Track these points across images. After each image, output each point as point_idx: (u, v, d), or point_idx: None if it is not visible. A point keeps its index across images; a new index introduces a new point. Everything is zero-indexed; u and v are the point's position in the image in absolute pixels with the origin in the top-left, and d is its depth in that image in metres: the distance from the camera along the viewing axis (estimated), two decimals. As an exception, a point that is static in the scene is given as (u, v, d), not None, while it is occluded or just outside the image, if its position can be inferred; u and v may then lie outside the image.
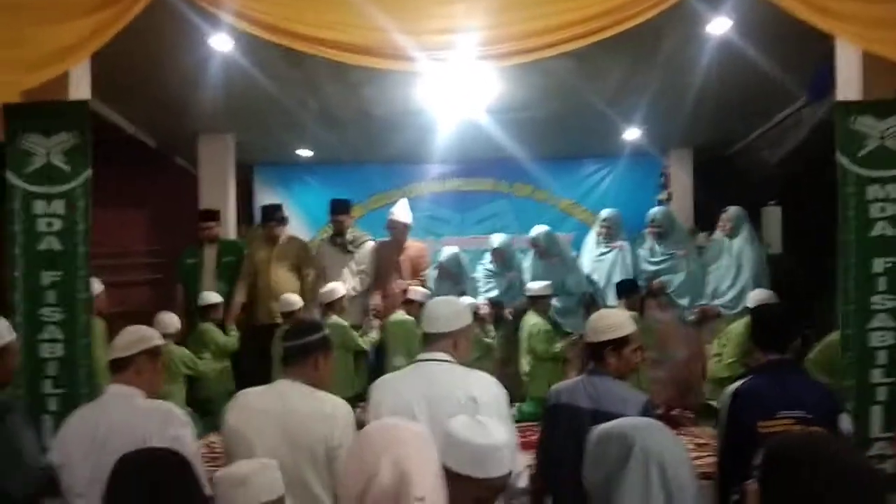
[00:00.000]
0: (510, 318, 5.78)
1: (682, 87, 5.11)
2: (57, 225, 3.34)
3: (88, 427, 2.42)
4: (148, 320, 3.12)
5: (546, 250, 5.90)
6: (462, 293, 5.78)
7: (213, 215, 5.95)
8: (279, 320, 5.63)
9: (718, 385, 4.53)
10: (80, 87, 3.53)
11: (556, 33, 3.22)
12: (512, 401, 3.65)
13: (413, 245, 6.05)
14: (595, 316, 2.80)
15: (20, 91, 3.32)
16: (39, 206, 3.34)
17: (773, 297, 4.84)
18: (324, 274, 5.92)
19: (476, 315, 5.38)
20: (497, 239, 6.04)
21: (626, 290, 5.46)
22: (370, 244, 6.02)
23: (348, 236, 5.97)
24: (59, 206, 3.35)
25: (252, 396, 2.48)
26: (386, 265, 5.92)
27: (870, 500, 1.22)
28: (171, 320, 5.19)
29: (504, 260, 5.94)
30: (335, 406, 2.41)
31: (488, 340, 5.52)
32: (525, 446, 3.17)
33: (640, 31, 3.38)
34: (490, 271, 6.00)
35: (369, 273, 5.90)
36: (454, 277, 5.92)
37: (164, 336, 5.05)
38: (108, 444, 2.33)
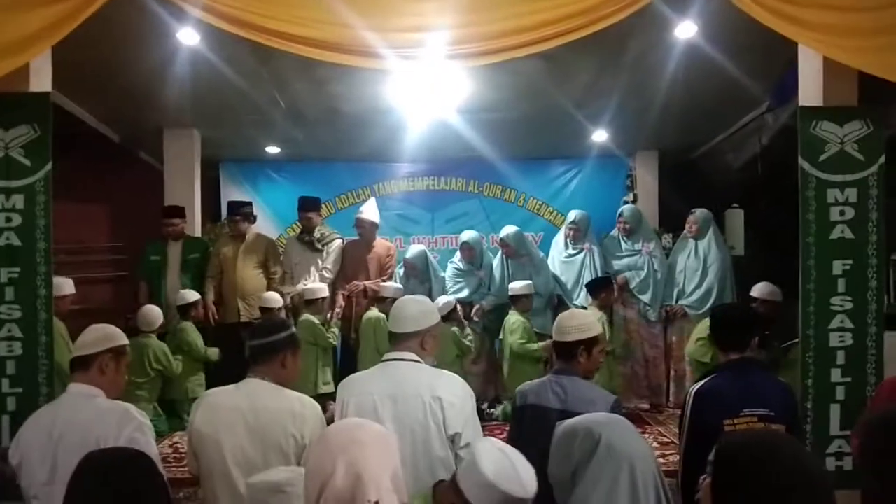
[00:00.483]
0: (476, 319, 5.78)
1: (648, 91, 5.17)
2: (16, 220, 3.26)
3: (46, 426, 2.37)
4: (110, 318, 3.05)
5: (515, 251, 5.93)
6: (429, 291, 5.78)
7: (178, 212, 5.86)
8: (245, 318, 5.59)
9: (701, 367, 4.60)
10: (41, 79, 3.44)
11: (525, 34, 3.23)
12: (479, 400, 3.64)
13: (380, 244, 6.04)
14: (565, 315, 2.81)
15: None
16: (-2, 201, 3.26)
17: (779, 292, 4.88)
18: (292, 271, 5.88)
19: (454, 314, 5.38)
20: (467, 234, 6.06)
21: (600, 287, 5.50)
22: (338, 242, 5.99)
23: (317, 234, 5.94)
24: (18, 201, 3.27)
25: (220, 396, 2.45)
26: (354, 264, 5.90)
27: (816, 499, 1.24)
28: (155, 316, 5.13)
29: (473, 256, 5.95)
30: (304, 404, 2.40)
31: (467, 342, 5.49)
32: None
33: (608, 34, 3.41)
34: (459, 270, 6.01)
35: (332, 271, 5.86)
36: (421, 275, 5.93)
37: (147, 332, 4.98)
38: (64, 444, 2.29)
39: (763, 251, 6.26)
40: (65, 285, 4.71)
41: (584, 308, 5.40)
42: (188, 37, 4.01)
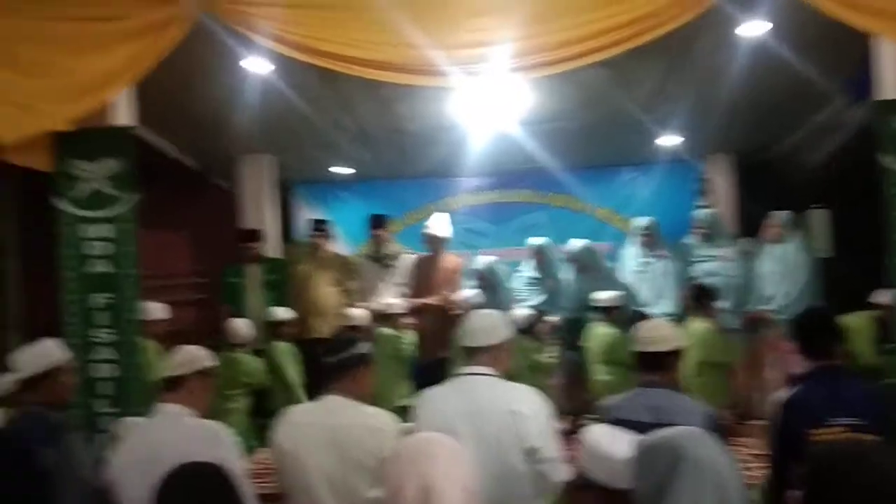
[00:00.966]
0: (548, 337, 5.68)
1: (717, 92, 5.04)
2: (106, 249, 3.45)
3: (140, 445, 2.48)
4: (195, 340, 3.18)
5: (585, 265, 5.84)
6: (499, 302, 5.75)
7: (255, 235, 6.04)
8: (321, 335, 5.67)
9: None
10: (124, 114, 3.64)
11: (588, 42, 3.21)
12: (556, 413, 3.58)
13: (448, 259, 6.02)
14: (650, 326, 2.75)
15: (66, 119, 3.44)
16: (89, 231, 3.46)
17: None
18: (364, 289, 5.97)
19: (532, 329, 5.31)
20: (538, 239, 6.01)
21: (705, 296, 5.27)
22: (409, 257, 6.06)
23: (386, 250, 6.03)
24: (107, 231, 3.46)
25: (300, 413, 2.52)
26: (422, 279, 5.93)
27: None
28: (242, 328, 5.21)
29: (545, 262, 5.89)
30: (383, 420, 2.44)
31: (547, 360, 5.39)
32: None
33: (673, 37, 3.35)
34: (530, 278, 5.96)
35: (409, 286, 5.91)
36: (490, 286, 5.92)
37: (235, 345, 5.10)
38: (157, 462, 2.36)
39: (851, 251, 6.00)
40: (158, 310, 4.93)
41: (676, 317, 5.25)
42: (258, 65, 4.15)
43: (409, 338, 5.50)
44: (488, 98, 4.95)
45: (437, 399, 2.56)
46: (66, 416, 2.70)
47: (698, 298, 5.27)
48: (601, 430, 1.87)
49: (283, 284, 5.92)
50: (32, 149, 3.47)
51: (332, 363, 2.50)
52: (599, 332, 5.36)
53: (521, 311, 5.42)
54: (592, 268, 5.87)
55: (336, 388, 2.48)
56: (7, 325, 6.07)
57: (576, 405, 5.66)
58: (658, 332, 2.66)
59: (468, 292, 5.76)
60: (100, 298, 3.43)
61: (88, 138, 3.49)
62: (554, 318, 5.77)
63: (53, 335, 2.82)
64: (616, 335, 5.26)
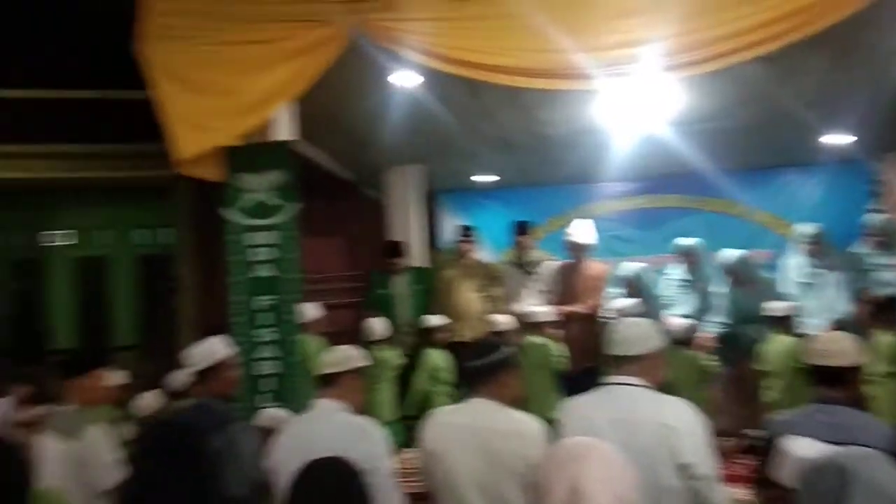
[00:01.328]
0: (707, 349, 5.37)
1: (891, 84, 4.59)
2: (270, 254, 3.72)
3: (297, 437, 2.64)
4: (350, 339, 3.34)
5: (739, 278, 5.50)
6: (649, 311, 5.54)
7: (398, 249, 6.17)
8: (463, 339, 5.72)
9: None
10: (285, 128, 3.90)
11: (746, 36, 3.06)
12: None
13: (591, 266, 5.87)
14: (829, 338, 2.59)
15: (234, 135, 3.74)
16: (255, 238, 3.73)
17: None
18: (508, 295, 5.98)
19: (691, 339, 5.10)
20: (688, 240, 5.74)
21: (889, 308, 4.76)
22: (551, 264, 5.99)
23: (528, 257, 6.01)
24: (271, 238, 3.73)
25: (447, 415, 2.57)
26: (566, 286, 5.84)
27: None
28: (379, 326, 5.41)
29: (696, 264, 5.60)
30: (529, 425, 2.42)
31: (711, 364, 5.13)
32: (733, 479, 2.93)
33: (839, 25, 3.10)
34: (680, 281, 5.69)
35: (555, 292, 5.84)
36: (638, 294, 5.72)
37: (372, 342, 5.28)
38: (309, 454, 2.49)
39: None
40: (315, 310, 5.22)
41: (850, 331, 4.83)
42: (406, 78, 4.27)
43: (557, 347, 5.43)
44: (635, 99, 4.80)
45: (584, 407, 2.50)
46: (231, 406, 2.91)
47: (880, 310, 4.82)
48: (801, 440, 1.81)
49: (429, 292, 6.05)
50: (205, 163, 3.82)
51: (477, 367, 2.52)
52: (778, 344, 5.01)
53: (677, 321, 5.18)
54: (749, 280, 5.51)
55: (482, 392, 2.49)
56: (183, 326, 6.68)
57: (738, 422, 5.33)
58: (838, 345, 2.46)
59: (616, 300, 5.59)
60: (264, 300, 3.70)
61: (253, 152, 3.78)
62: (710, 333, 5.46)
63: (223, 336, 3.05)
64: (797, 345, 4.90)
